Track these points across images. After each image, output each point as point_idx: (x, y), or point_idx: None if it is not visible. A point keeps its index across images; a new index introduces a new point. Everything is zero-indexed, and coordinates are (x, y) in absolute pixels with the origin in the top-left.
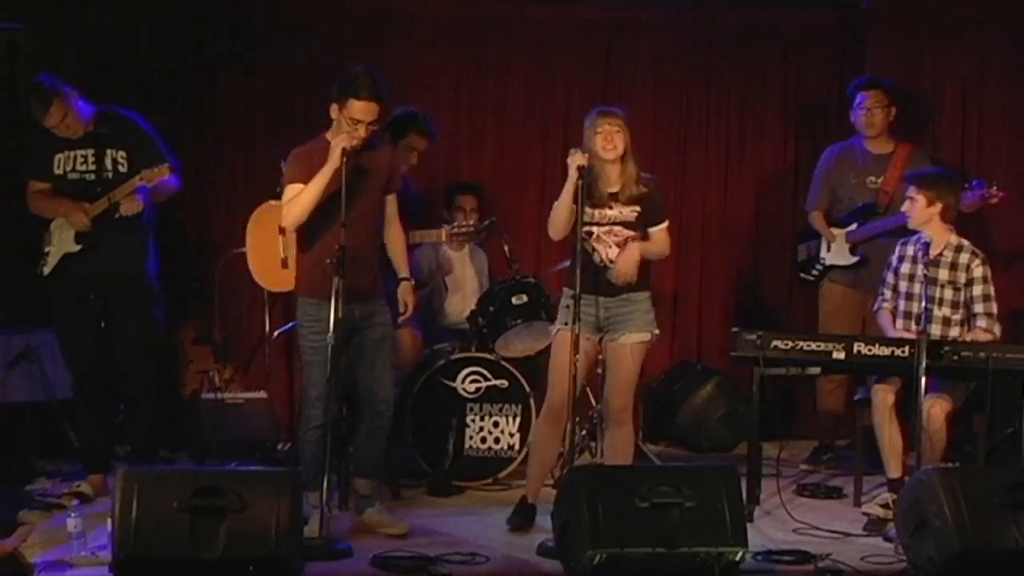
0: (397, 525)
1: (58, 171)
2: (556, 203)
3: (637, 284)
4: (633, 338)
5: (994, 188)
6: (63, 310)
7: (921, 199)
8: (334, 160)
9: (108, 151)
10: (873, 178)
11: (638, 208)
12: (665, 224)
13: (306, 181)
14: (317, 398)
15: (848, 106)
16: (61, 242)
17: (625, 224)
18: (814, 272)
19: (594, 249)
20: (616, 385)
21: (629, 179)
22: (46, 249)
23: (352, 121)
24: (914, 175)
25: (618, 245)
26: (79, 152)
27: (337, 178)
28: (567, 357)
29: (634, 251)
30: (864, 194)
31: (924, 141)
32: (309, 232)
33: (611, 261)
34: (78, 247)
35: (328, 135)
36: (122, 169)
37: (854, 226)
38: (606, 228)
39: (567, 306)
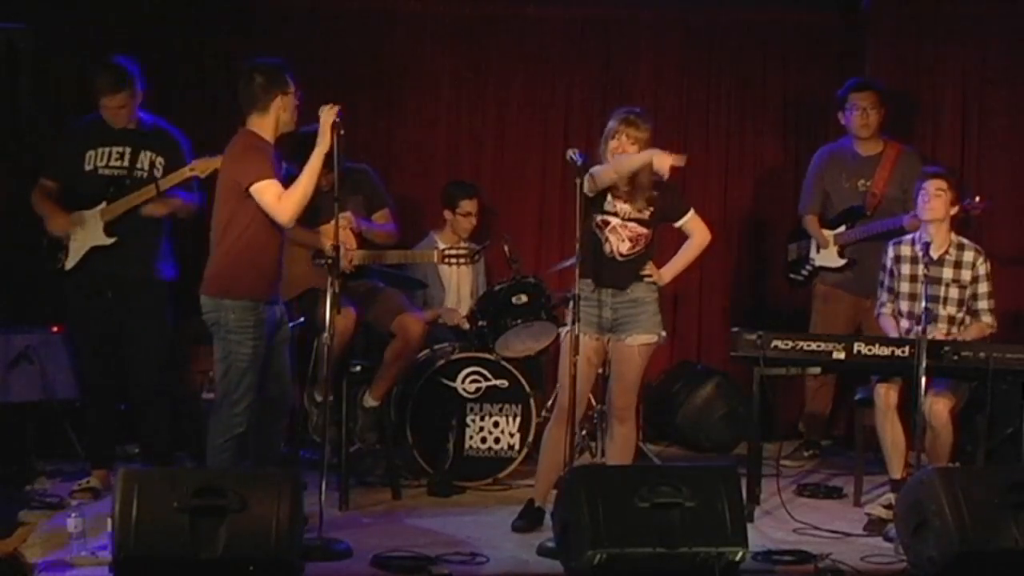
0: None
1: (88, 167)
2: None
3: (646, 283)
4: (640, 339)
5: (977, 199)
6: (80, 307)
7: (949, 196)
8: (326, 140)
9: (144, 152)
10: (863, 181)
11: (651, 208)
12: (691, 212)
13: (277, 176)
14: (248, 406)
15: (839, 108)
16: (87, 235)
17: (640, 221)
18: (803, 272)
19: (607, 239)
20: (620, 385)
21: (640, 185)
22: (65, 243)
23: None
24: (939, 171)
25: (631, 239)
26: (115, 148)
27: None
28: (580, 361)
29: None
30: (854, 197)
31: (924, 141)
32: (242, 232)
33: (621, 255)
34: (110, 240)
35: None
36: (157, 173)
37: (842, 229)
38: (622, 221)
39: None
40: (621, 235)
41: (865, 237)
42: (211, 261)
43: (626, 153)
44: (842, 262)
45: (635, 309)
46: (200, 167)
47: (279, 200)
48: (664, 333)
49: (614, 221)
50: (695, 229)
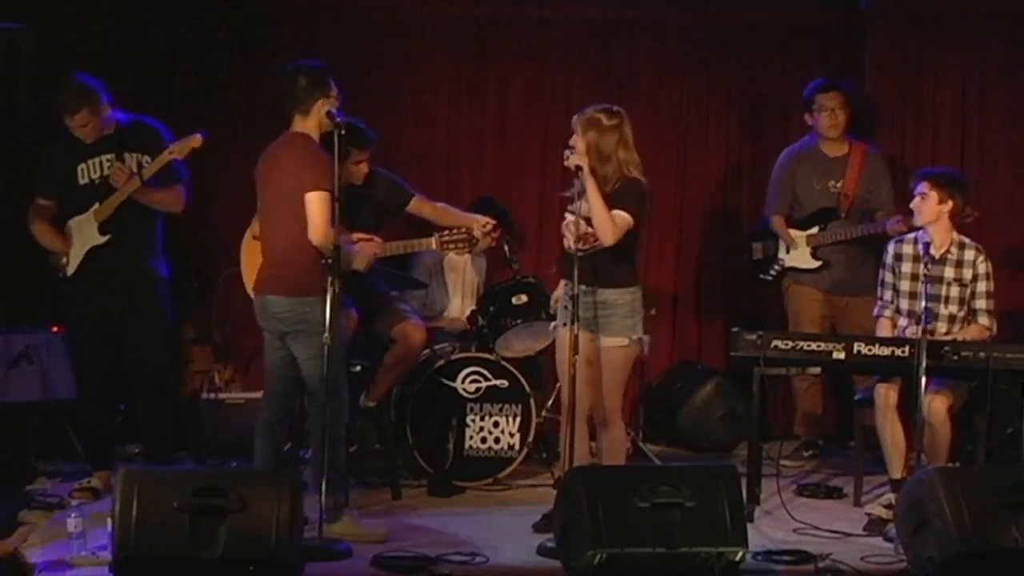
0: None
1: (83, 180)
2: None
3: (613, 283)
4: (608, 341)
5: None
6: (80, 307)
7: (934, 196)
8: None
9: (128, 154)
10: (834, 182)
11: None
12: (623, 213)
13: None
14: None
15: (805, 110)
16: (84, 238)
17: (589, 221)
18: (772, 272)
19: (564, 235)
20: (600, 387)
21: (599, 181)
22: (65, 251)
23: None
24: (927, 172)
25: (580, 237)
26: (104, 157)
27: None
28: (565, 356)
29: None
30: (825, 198)
31: (924, 141)
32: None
33: (579, 251)
34: (105, 238)
35: None
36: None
37: (815, 230)
38: (576, 219)
39: (565, 307)
40: (573, 231)
41: (848, 239)
42: (282, 262)
43: (579, 153)
44: (816, 264)
45: (605, 310)
46: (178, 149)
47: (325, 220)
48: (639, 337)
49: (569, 218)
50: (617, 217)
